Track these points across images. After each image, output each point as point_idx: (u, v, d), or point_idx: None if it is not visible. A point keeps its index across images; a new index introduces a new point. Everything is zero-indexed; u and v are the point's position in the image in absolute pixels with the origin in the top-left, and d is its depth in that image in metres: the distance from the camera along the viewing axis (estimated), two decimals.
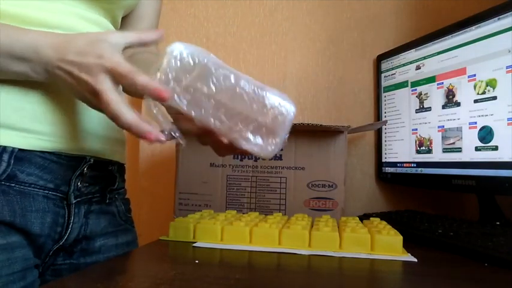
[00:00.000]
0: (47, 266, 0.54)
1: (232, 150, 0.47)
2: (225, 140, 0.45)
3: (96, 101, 0.44)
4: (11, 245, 0.48)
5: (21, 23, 0.47)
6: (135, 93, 0.48)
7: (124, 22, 0.68)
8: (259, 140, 0.46)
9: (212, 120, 0.44)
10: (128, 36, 0.46)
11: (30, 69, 0.45)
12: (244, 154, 0.55)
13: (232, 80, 0.44)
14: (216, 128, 0.45)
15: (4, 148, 0.48)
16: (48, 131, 0.51)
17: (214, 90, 0.44)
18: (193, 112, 0.44)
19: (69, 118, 0.53)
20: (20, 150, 0.49)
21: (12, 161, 0.48)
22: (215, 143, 0.47)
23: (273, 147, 0.46)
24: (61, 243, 0.54)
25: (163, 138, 0.43)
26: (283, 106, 0.46)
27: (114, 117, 0.43)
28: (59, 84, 0.47)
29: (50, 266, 0.55)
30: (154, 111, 0.44)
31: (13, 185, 0.49)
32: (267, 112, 0.45)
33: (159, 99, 0.42)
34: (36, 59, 0.44)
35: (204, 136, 0.47)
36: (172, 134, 0.44)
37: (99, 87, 0.42)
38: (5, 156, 0.48)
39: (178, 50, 0.43)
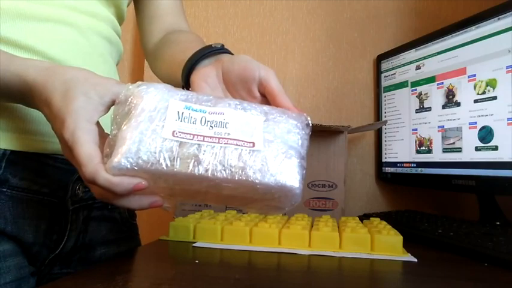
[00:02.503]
0: (43, 275, 0.51)
1: None
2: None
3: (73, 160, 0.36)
4: (3, 253, 0.44)
5: (12, 16, 0.46)
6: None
7: (146, 15, 0.66)
8: (272, 205, 0.39)
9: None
10: (107, 100, 0.37)
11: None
12: None
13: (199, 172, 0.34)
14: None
15: None
16: (43, 130, 0.47)
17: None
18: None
19: None
20: (13, 152, 0.46)
21: (3, 164, 0.45)
22: None
23: (292, 203, 0.38)
24: (57, 252, 0.51)
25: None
26: (280, 185, 0.35)
27: (106, 202, 0.37)
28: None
29: (46, 275, 0.51)
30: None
31: (4, 189, 0.45)
32: (262, 194, 0.36)
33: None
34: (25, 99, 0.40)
35: None
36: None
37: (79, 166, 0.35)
38: None
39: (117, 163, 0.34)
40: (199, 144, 0.35)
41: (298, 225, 0.57)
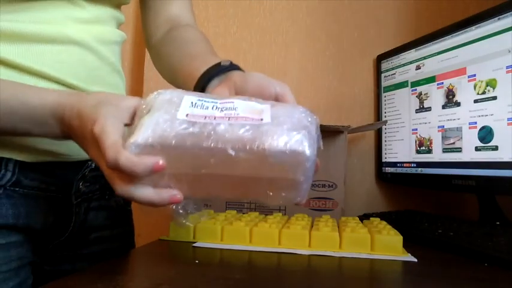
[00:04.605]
0: (45, 258, 0.56)
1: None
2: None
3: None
4: (8, 245, 0.49)
5: (19, 40, 0.46)
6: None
7: (150, 5, 0.66)
8: (282, 194, 0.38)
9: (218, 194, 0.39)
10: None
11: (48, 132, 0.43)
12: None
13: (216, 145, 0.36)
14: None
15: (9, 159, 0.49)
16: (51, 149, 0.51)
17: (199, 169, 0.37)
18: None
19: None
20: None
21: (16, 170, 0.49)
22: None
23: (299, 198, 0.38)
24: (61, 240, 0.55)
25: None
26: (290, 149, 0.36)
27: (127, 197, 0.38)
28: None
29: (49, 257, 0.56)
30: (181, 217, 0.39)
31: (17, 189, 0.50)
32: (272, 166, 0.36)
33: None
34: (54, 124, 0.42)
35: None
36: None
37: (104, 170, 0.38)
38: (10, 166, 0.49)
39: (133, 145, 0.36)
40: (211, 122, 0.37)
41: (298, 225, 0.57)
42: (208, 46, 0.60)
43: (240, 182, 0.38)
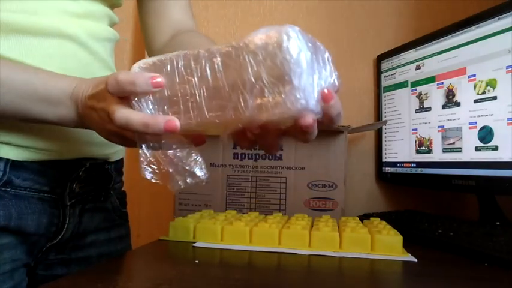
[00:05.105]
0: (38, 261, 0.55)
1: (257, 134, 0.37)
2: (239, 126, 0.37)
3: (112, 126, 0.40)
4: (1, 247, 0.48)
5: (6, 31, 0.46)
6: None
7: (152, 11, 0.65)
8: (277, 98, 0.34)
9: (212, 114, 0.37)
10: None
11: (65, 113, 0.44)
12: (274, 131, 0.39)
13: (205, 55, 0.37)
14: (224, 118, 0.36)
15: (0, 157, 0.48)
16: (44, 146, 0.51)
17: (196, 80, 0.37)
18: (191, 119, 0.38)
19: (66, 132, 0.52)
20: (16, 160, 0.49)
21: (8, 169, 0.48)
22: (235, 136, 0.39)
23: (298, 96, 0.34)
24: (54, 242, 0.54)
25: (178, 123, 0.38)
26: (272, 38, 0.34)
27: (124, 122, 0.39)
28: (88, 124, 0.45)
29: (42, 261, 0.55)
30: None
31: (9, 189, 0.49)
32: (261, 61, 0.34)
33: (155, 86, 0.38)
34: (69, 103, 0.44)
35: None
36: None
37: (108, 108, 0.40)
38: (1, 165, 0.48)
39: (137, 65, 0.41)
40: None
41: (298, 225, 0.57)
42: None
43: (230, 92, 0.36)
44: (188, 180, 0.41)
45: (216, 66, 0.36)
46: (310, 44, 0.36)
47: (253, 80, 0.34)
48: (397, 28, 1.03)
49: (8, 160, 0.48)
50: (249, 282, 0.42)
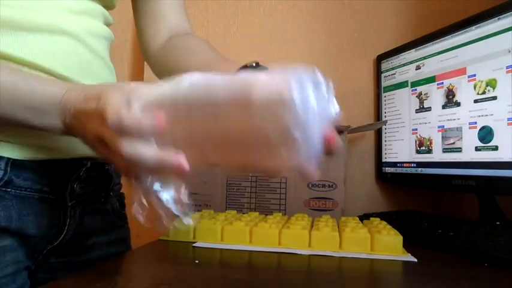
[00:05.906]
0: (39, 265, 0.54)
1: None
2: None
3: (105, 150, 0.38)
4: (2, 249, 0.47)
5: (8, 27, 0.45)
6: None
7: (147, 14, 0.65)
8: (280, 152, 0.34)
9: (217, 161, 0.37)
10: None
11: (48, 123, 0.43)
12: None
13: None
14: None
15: (0, 156, 0.47)
16: (45, 144, 0.50)
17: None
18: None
19: None
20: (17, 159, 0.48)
21: (8, 169, 0.47)
22: None
23: (302, 151, 0.34)
24: (55, 244, 0.53)
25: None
26: (274, 92, 0.32)
27: (137, 159, 0.36)
28: (76, 135, 0.42)
29: (43, 264, 0.54)
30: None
31: (9, 189, 0.48)
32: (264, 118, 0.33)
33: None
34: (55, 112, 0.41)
35: None
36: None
37: (103, 132, 0.37)
38: (2, 164, 0.47)
39: None
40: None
41: (298, 225, 0.57)
42: (218, 52, 0.59)
43: (236, 142, 0.35)
44: (176, 225, 0.40)
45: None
46: (312, 85, 0.35)
47: (262, 138, 0.33)
48: (397, 28, 1.03)
49: (8, 159, 0.48)
50: (249, 282, 0.42)
